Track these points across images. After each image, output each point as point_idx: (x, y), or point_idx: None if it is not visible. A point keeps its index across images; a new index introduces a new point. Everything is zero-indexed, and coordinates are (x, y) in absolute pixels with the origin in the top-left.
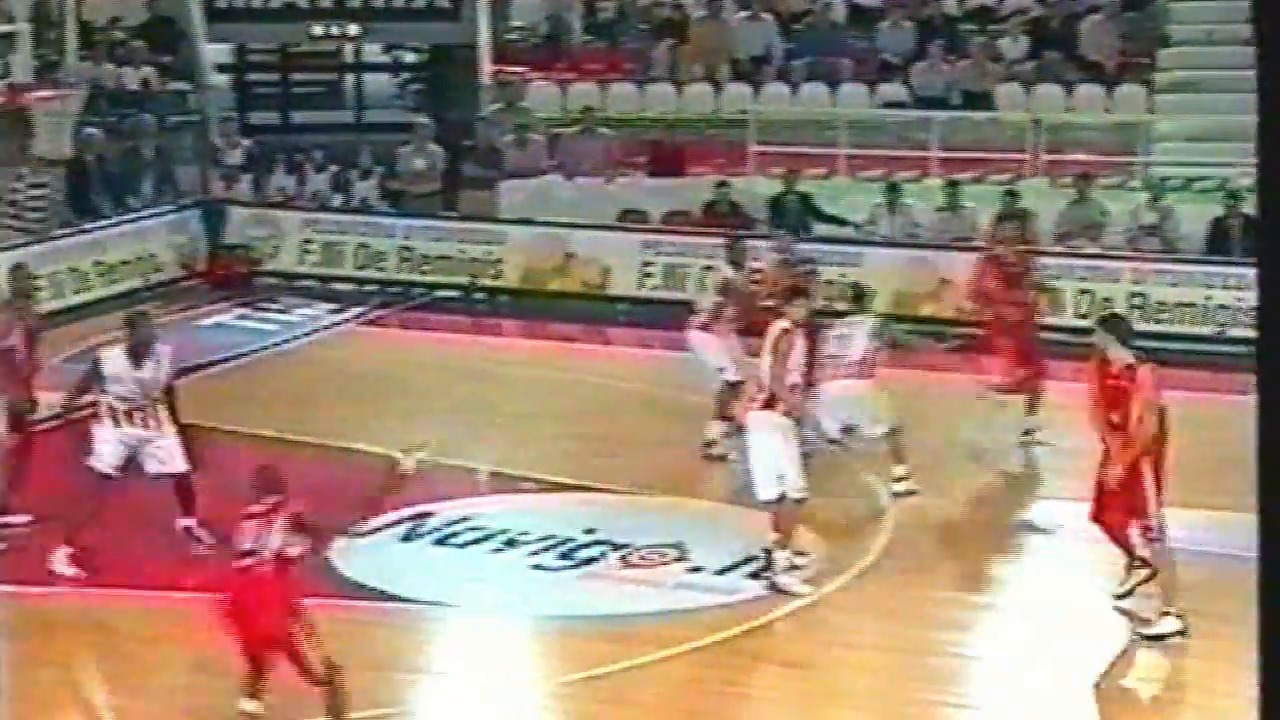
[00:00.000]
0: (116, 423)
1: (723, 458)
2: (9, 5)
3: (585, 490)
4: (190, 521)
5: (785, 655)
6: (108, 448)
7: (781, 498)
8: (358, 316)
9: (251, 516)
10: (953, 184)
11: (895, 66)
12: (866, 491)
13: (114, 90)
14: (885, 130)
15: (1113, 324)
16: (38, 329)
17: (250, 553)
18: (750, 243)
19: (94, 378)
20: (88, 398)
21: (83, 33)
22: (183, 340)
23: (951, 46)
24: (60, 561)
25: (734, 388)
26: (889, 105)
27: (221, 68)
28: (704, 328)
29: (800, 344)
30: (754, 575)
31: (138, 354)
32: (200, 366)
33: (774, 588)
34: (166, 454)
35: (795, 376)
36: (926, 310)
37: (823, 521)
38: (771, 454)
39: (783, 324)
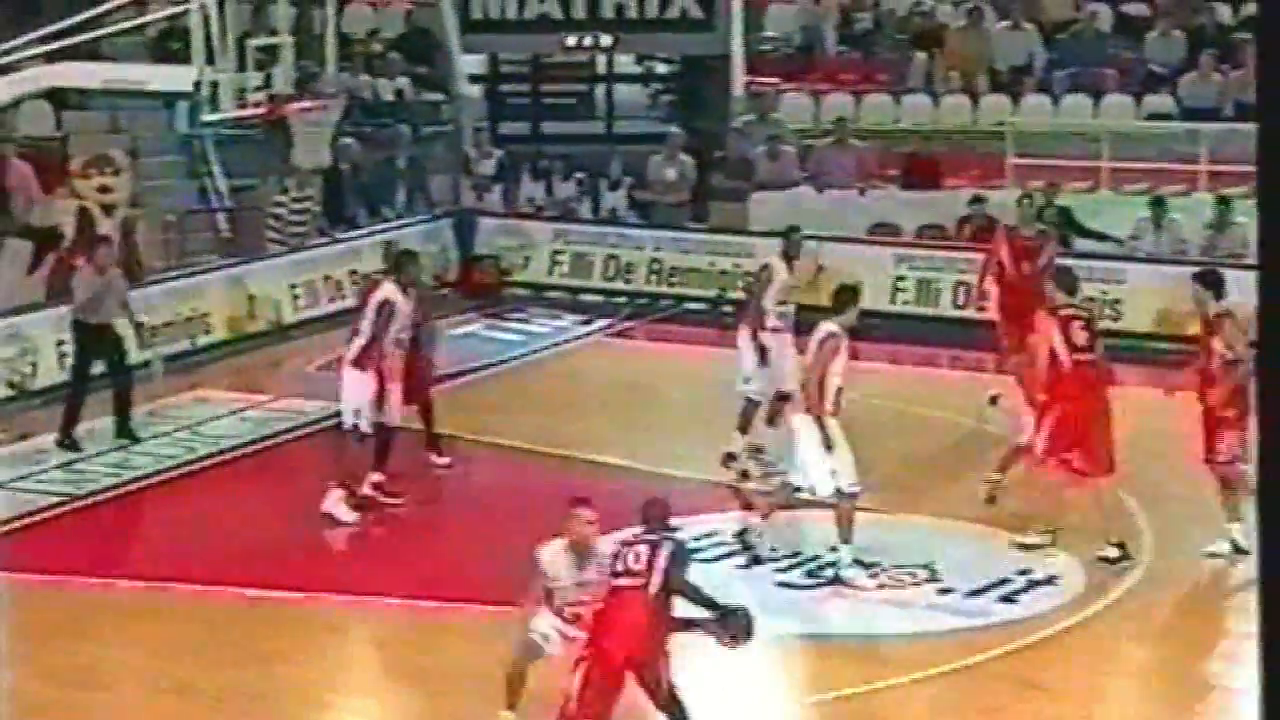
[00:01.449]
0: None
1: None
2: (272, 19)
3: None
4: (379, 478)
5: (1040, 680)
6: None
7: (838, 493)
8: (605, 328)
9: (635, 542)
10: (1223, 200)
11: (1162, 78)
12: (1121, 514)
13: (370, 101)
14: (1150, 143)
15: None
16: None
17: (629, 573)
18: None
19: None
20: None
21: (341, 44)
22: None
23: (1224, 56)
24: (334, 502)
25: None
26: (1153, 117)
27: (474, 78)
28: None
29: (845, 348)
30: (1007, 599)
31: (405, 288)
32: (451, 376)
33: (838, 580)
34: (392, 404)
35: (838, 380)
36: (1193, 330)
37: (1076, 546)
38: (819, 451)
39: (830, 327)
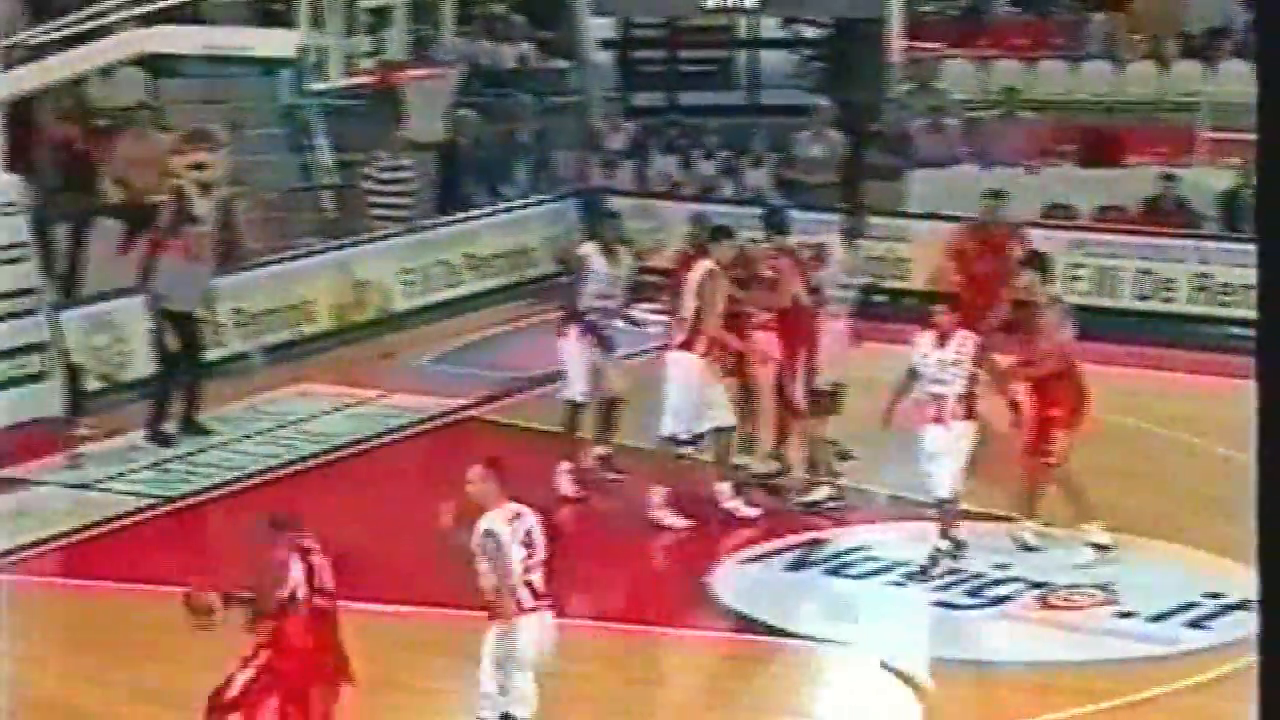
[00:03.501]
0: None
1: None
2: None
3: (1002, 520)
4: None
5: (1233, 716)
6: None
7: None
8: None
9: None
10: None
11: None
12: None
13: (490, 68)
14: None
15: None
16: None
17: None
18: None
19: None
20: None
21: (459, 6)
22: (552, 342)
23: None
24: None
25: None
26: None
27: (604, 44)
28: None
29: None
30: (1194, 624)
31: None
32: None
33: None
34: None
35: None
36: None
37: None
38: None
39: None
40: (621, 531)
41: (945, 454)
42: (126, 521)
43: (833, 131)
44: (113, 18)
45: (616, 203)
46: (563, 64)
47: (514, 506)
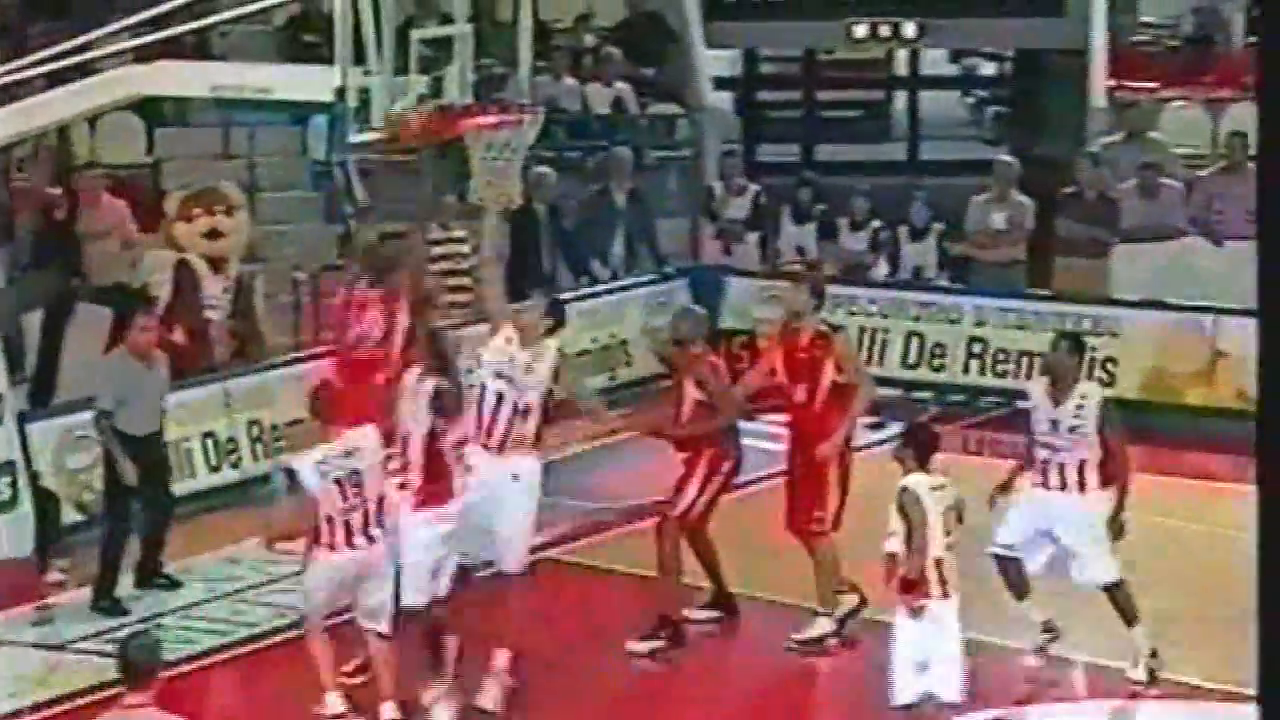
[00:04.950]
0: None
1: None
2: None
3: (1239, 699)
4: None
5: None
6: None
7: None
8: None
9: None
10: None
11: None
12: None
13: (578, 115)
14: None
15: None
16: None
17: None
18: None
19: None
20: None
21: (538, 37)
22: (651, 461)
23: None
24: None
25: None
26: None
27: (722, 82)
28: None
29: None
30: None
31: None
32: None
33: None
34: None
35: None
36: None
37: None
38: None
39: None
40: None
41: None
42: (109, 694)
43: (1016, 195)
44: (100, 51)
45: (737, 284)
46: (670, 109)
47: None
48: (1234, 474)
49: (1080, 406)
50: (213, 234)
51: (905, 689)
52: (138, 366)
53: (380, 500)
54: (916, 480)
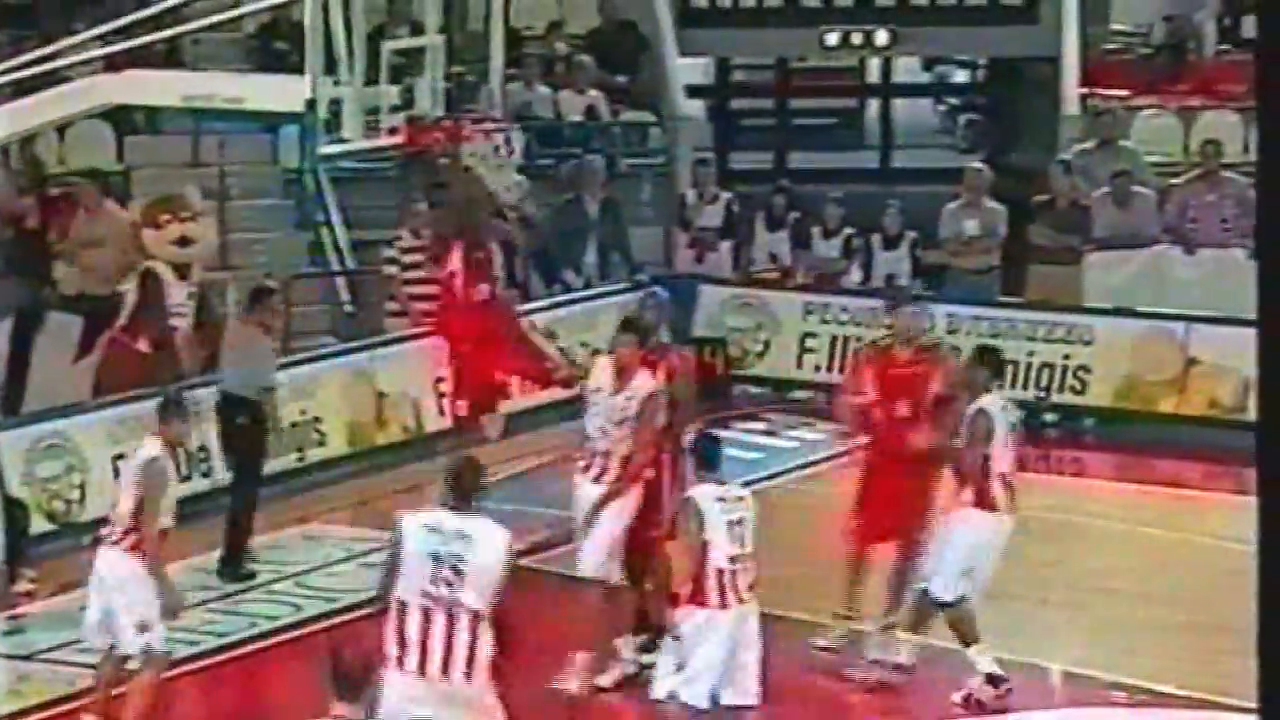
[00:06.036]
0: None
1: None
2: (415, 8)
3: (1215, 708)
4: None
5: None
6: None
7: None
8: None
9: None
10: None
11: None
12: None
13: (549, 123)
14: None
15: None
16: None
17: None
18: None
19: None
20: None
21: (510, 45)
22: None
23: None
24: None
25: None
26: None
27: (695, 91)
28: None
29: None
30: None
31: None
32: None
33: None
34: None
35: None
36: None
37: None
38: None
39: None
40: None
41: None
42: (81, 703)
43: (989, 203)
44: (69, 60)
45: (710, 293)
46: (643, 116)
47: None
48: (1206, 482)
49: None
50: (183, 241)
51: (658, 684)
52: (260, 341)
53: None
54: (702, 491)
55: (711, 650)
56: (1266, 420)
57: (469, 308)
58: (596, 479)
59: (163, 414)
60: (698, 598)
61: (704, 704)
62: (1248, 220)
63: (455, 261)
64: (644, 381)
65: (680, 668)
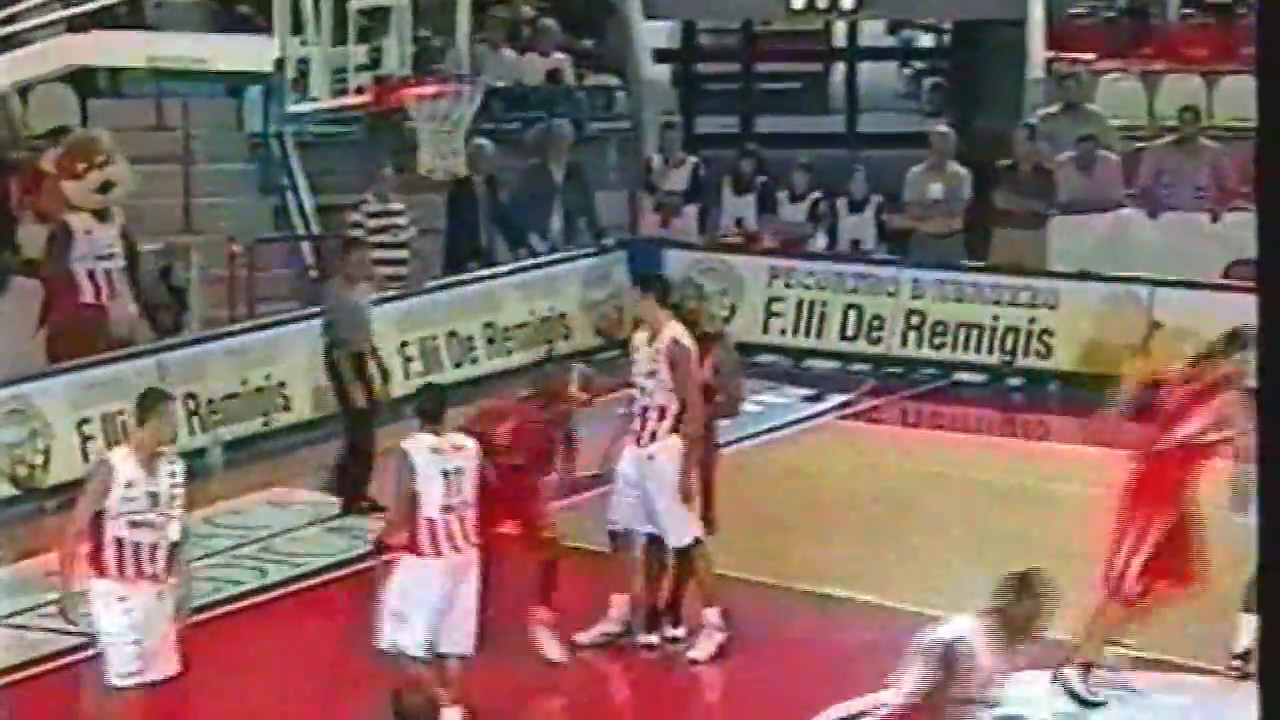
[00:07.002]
0: None
1: None
2: None
3: (1181, 670)
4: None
5: None
6: None
7: None
8: (841, 407)
9: None
10: None
11: None
12: None
13: (514, 87)
14: None
15: None
16: None
17: None
18: None
19: None
20: None
21: (476, 7)
22: (596, 433)
23: None
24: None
25: None
26: None
27: (661, 55)
28: None
29: None
30: None
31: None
32: None
33: None
34: None
35: None
36: None
37: None
38: None
39: None
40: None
41: None
42: (44, 668)
43: (955, 167)
44: (32, 21)
45: (676, 257)
46: (608, 80)
47: None
48: None
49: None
50: (105, 186)
51: (381, 634)
52: (350, 294)
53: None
54: (415, 441)
55: (425, 598)
56: (1267, 421)
57: None
58: (636, 440)
59: (142, 414)
60: (411, 547)
61: (420, 653)
62: (1221, 188)
63: None
64: (669, 333)
65: (403, 619)
